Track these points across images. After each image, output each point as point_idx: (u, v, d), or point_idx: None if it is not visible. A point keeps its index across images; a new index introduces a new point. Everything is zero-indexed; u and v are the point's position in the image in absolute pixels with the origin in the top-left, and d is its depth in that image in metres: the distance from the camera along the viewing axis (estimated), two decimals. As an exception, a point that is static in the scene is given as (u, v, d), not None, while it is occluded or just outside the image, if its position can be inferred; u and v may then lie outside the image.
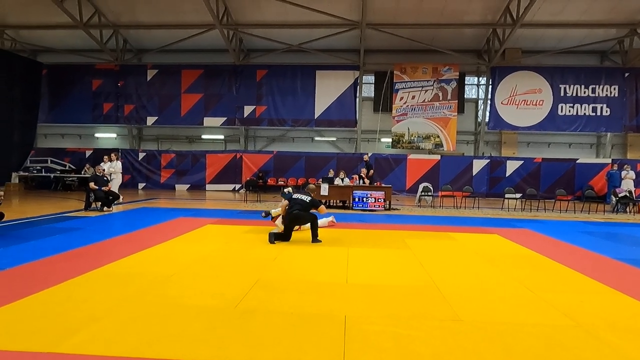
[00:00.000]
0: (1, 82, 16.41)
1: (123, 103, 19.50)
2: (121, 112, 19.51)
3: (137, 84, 19.37)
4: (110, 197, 10.89)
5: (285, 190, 7.88)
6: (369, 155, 16.25)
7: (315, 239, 6.92)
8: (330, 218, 8.87)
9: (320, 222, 8.05)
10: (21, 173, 17.72)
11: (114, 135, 20.99)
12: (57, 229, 7.73)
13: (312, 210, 7.20)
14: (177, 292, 4.19)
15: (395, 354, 2.96)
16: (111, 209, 10.87)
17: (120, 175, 12.68)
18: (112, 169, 12.39)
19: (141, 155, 19.25)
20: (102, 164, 12.39)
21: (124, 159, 19.21)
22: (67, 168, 18.59)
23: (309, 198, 7.16)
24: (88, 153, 19.33)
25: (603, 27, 16.51)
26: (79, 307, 3.67)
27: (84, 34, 17.20)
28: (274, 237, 6.88)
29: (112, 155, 12.93)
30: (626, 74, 17.84)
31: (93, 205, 10.76)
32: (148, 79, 19.36)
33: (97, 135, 20.98)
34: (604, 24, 16.32)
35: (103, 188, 10.66)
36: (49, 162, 18.56)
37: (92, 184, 10.60)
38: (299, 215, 7.02)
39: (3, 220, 7.52)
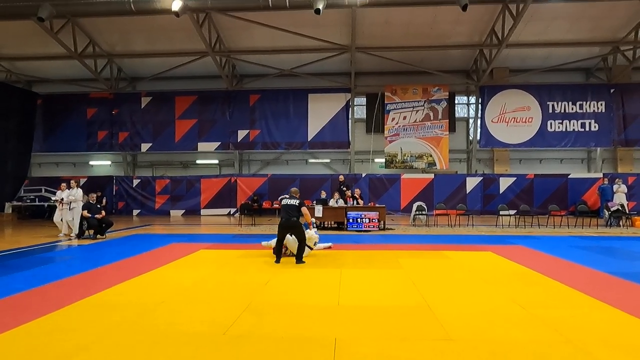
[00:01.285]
0: (-4, 113, 16.56)
1: (117, 130, 19.65)
2: (115, 139, 19.63)
3: (132, 111, 19.56)
4: (104, 225, 10.85)
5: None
6: (363, 175, 16.34)
7: (300, 260, 7.01)
8: (329, 244, 8.80)
9: (318, 245, 8.10)
10: (14, 203, 17.65)
11: (109, 162, 21.05)
12: (50, 258, 7.68)
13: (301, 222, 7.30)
14: (166, 320, 4.16)
15: (384, 375, 2.94)
16: (104, 236, 10.82)
17: (80, 203, 11.42)
18: (72, 196, 11.38)
19: (135, 182, 19.27)
20: (58, 192, 11.75)
21: (119, 186, 19.26)
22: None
23: (297, 201, 7.34)
24: (82, 181, 19.29)
25: (586, 45, 16.96)
26: (67, 337, 3.64)
27: (78, 63, 17.47)
28: (276, 254, 7.16)
29: (72, 182, 11.99)
30: (612, 90, 18.22)
31: (86, 233, 10.71)
32: (142, 106, 19.57)
33: (91, 163, 21.02)
34: (587, 42, 16.77)
35: (96, 216, 10.64)
36: (43, 191, 18.50)
37: (85, 212, 10.59)
38: (294, 224, 7.11)
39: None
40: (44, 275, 6.15)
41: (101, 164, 21.09)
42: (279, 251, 7.26)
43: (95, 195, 11.55)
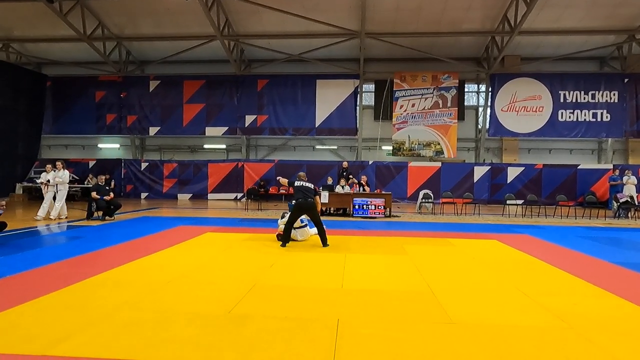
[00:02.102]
0: (7, 95, 16.69)
1: (126, 114, 19.73)
2: (124, 122, 19.72)
3: (140, 95, 19.60)
4: (112, 207, 10.98)
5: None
6: (370, 162, 16.30)
7: (325, 243, 7.09)
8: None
9: (311, 231, 8.01)
10: (25, 184, 17.89)
11: (117, 145, 21.19)
12: (58, 238, 7.80)
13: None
14: (172, 299, 4.23)
15: (385, 355, 2.98)
16: (113, 218, 10.96)
17: (67, 186, 11.04)
18: (59, 179, 10.79)
19: (144, 165, 19.40)
20: (44, 173, 11.20)
21: (127, 169, 19.41)
22: (70, 178, 18.69)
23: (311, 185, 7.39)
24: (91, 164, 19.51)
25: (601, 33, 16.59)
26: (74, 313, 3.72)
27: (87, 46, 17.48)
28: (283, 239, 7.16)
29: (58, 163, 11.13)
30: (626, 80, 17.87)
31: (95, 214, 10.85)
32: (150, 90, 19.59)
33: (100, 145, 21.18)
34: (602, 30, 16.40)
35: (105, 197, 10.76)
36: (53, 172, 18.69)
37: (94, 194, 10.70)
38: (312, 206, 7.12)
39: (5, 229, 7.61)
40: (52, 254, 6.27)
41: (110, 147, 21.24)
42: (288, 236, 7.22)
43: (103, 177, 11.69)
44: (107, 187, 11.25)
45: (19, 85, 17.21)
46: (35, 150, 18.92)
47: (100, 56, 18.24)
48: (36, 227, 9.46)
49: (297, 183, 7.33)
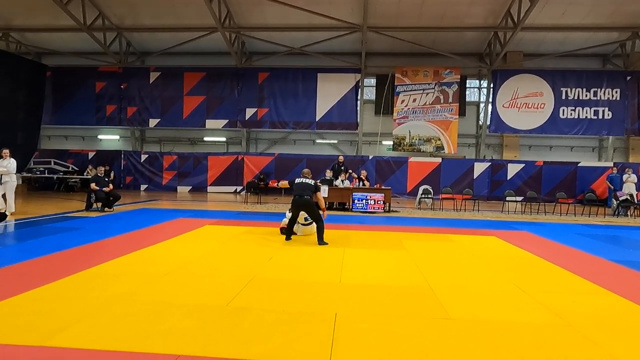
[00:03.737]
0: (6, 85, 16.59)
1: (126, 105, 19.65)
2: (124, 114, 19.65)
3: (140, 86, 19.51)
4: (111, 198, 10.98)
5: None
6: (370, 157, 16.27)
7: (321, 241, 6.87)
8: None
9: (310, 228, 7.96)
10: (24, 174, 17.86)
11: (117, 137, 21.14)
12: (57, 229, 7.80)
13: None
14: (170, 291, 4.23)
15: (382, 349, 2.98)
16: (112, 209, 10.96)
17: (14, 177, 9.79)
18: (3, 168, 9.45)
19: (143, 157, 19.37)
20: None
21: (127, 160, 19.38)
22: (70, 169, 18.72)
23: (313, 181, 7.20)
24: (91, 155, 19.48)
25: (604, 30, 16.49)
26: (72, 304, 3.72)
27: (87, 36, 17.36)
28: (286, 233, 7.13)
29: (4, 151, 9.65)
30: (628, 77, 17.79)
31: (94, 205, 10.85)
32: (151, 81, 19.50)
33: (100, 137, 21.12)
34: (605, 27, 16.31)
35: (104, 189, 10.75)
36: (52, 163, 18.71)
37: (93, 185, 10.70)
38: (307, 203, 6.96)
39: (4, 220, 7.61)
40: (50, 245, 6.26)
41: (110, 138, 21.19)
42: (290, 230, 7.22)
43: (103, 168, 11.68)
44: (106, 179, 11.25)
45: (18, 75, 17.09)
46: (35, 141, 18.84)
47: (101, 47, 18.12)
48: (35, 217, 9.45)
49: (296, 180, 7.27)
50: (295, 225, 7.42)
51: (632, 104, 17.87)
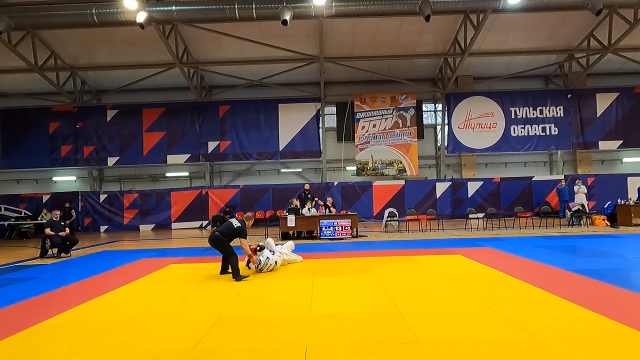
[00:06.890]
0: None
1: (82, 145, 19.07)
2: (80, 154, 19.04)
3: (97, 124, 19.04)
4: (68, 243, 10.47)
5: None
6: (335, 184, 16.44)
7: (237, 276, 6.57)
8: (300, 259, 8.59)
9: (293, 257, 8.01)
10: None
11: (74, 177, 20.36)
12: (8, 280, 7.33)
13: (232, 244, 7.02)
14: (134, 338, 4.05)
15: (354, 382, 2.96)
16: (69, 254, 10.44)
17: None
18: None
19: (102, 197, 18.71)
20: None
21: (85, 202, 18.64)
22: (22, 215, 17.79)
23: (238, 225, 6.90)
24: (45, 198, 18.62)
25: (544, 53, 17.73)
26: (26, 362, 3.49)
27: (39, 77, 16.90)
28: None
29: None
30: (569, 95, 19.08)
31: (50, 252, 10.31)
32: (108, 119, 19.09)
33: (55, 178, 20.28)
34: (544, 50, 17.54)
35: (60, 233, 10.25)
36: (3, 209, 17.72)
37: (47, 230, 10.19)
38: (220, 240, 6.81)
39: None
40: (3, 298, 5.87)
41: (66, 180, 20.37)
42: (224, 265, 7.09)
43: (58, 212, 11.14)
44: (62, 223, 10.73)
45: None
46: (-17, 187, 17.90)
47: (54, 87, 17.66)
48: (-16, 269, 8.86)
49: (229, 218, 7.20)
50: (277, 254, 7.42)
51: (575, 119, 19.10)
